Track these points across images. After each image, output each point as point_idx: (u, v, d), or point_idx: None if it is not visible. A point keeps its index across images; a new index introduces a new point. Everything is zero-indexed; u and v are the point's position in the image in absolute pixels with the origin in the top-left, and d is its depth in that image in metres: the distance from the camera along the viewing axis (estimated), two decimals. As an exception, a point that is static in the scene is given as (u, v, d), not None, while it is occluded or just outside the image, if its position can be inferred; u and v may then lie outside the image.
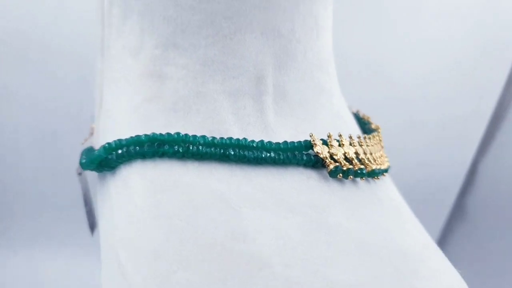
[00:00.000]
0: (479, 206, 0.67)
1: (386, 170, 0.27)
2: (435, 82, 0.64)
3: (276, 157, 0.21)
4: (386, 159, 0.29)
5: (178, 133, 0.21)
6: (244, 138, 0.21)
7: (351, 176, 0.23)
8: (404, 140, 0.68)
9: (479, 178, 0.67)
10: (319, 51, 0.27)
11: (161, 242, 0.18)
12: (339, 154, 0.23)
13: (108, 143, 0.22)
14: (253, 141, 0.21)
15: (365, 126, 0.33)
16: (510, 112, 0.61)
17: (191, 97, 0.23)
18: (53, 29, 0.59)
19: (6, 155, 0.68)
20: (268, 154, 0.21)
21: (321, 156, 0.22)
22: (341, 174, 0.22)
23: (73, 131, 0.66)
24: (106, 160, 0.22)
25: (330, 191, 0.22)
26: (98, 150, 0.22)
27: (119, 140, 0.21)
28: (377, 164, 0.26)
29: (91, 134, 0.35)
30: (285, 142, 0.22)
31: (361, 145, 0.25)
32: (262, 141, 0.22)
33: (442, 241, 0.68)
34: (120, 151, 0.21)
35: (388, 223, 0.23)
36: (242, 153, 0.21)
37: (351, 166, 0.23)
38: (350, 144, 0.25)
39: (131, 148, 0.21)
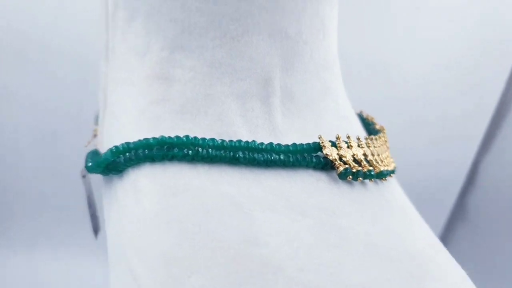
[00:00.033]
0: (480, 206, 0.67)
1: (393, 171, 0.27)
2: (436, 81, 0.64)
3: (286, 159, 0.21)
4: (391, 160, 0.29)
5: (187, 136, 0.21)
6: (253, 141, 0.21)
7: (361, 178, 0.23)
8: (404, 140, 0.68)
9: (480, 178, 0.67)
10: (325, 52, 0.27)
11: (174, 247, 0.17)
12: (348, 156, 0.23)
13: (115, 146, 0.22)
14: (262, 144, 0.21)
15: (369, 127, 0.33)
16: (511, 111, 0.61)
17: (199, 100, 0.22)
18: (53, 29, 0.59)
19: (6, 155, 0.67)
20: (278, 157, 0.21)
21: (330, 158, 0.22)
22: (350, 176, 0.22)
23: (73, 131, 0.66)
24: (113, 163, 0.22)
25: (340, 193, 0.22)
26: (105, 153, 0.22)
27: (127, 143, 0.21)
28: (384, 166, 0.26)
29: (94, 136, 0.35)
30: (294, 144, 0.22)
31: (368, 147, 0.25)
32: (271, 143, 0.22)
33: (443, 241, 0.68)
34: (128, 155, 0.21)
35: (397, 225, 0.23)
36: (251, 155, 0.20)
37: (360, 168, 0.23)
38: (358, 146, 0.24)
39: (140, 151, 0.21)
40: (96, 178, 0.36)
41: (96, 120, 0.37)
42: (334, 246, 0.19)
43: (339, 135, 0.24)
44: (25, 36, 0.59)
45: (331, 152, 0.22)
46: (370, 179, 0.24)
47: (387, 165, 0.27)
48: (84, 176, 0.32)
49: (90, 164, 0.24)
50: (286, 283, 0.16)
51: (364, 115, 0.35)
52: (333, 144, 0.23)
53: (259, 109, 0.23)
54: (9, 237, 0.74)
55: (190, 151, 0.20)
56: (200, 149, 0.20)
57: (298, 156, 0.22)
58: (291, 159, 0.21)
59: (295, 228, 0.19)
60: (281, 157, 0.21)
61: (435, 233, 0.27)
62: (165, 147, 0.20)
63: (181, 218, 0.18)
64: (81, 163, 0.73)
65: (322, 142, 0.23)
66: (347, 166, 0.22)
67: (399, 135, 0.68)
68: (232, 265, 0.17)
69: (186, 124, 0.22)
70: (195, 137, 0.21)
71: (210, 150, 0.20)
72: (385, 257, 0.20)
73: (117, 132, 0.25)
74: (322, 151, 0.23)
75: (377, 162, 0.25)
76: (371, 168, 0.24)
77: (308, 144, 0.22)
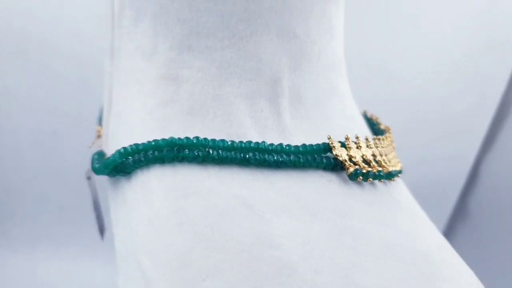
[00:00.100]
0: (482, 205, 0.67)
1: (400, 172, 0.27)
2: (437, 80, 0.64)
3: (296, 160, 0.21)
4: (398, 160, 0.29)
5: (197, 137, 0.20)
6: (263, 142, 0.21)
7: (371, 179, 0.23)
8: (405, 139, 0.68)
9: (482, 177, 0.67)
10: (332, 52, 0.27)
11: (187, 249, 0.17)
12: (357, 157, 0.23)
13: (124, 148, 0.21)
14: (272, 145, 0.21)
15: (374, 127, 0.33)
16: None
17: (208, 101, 0.22)
18: (53, 29, 0.58)
19: (6, 155, 0.67)
20: (288, 158, 0.21)
21: (340, 159, 0.22)
22: (361, 177, 0.22)
23: (74, 131, 0.66)
24: (121, 164, 0.22)
25: (351, 194, 0.22)
26: (113, 154, 0.22)
27: (136, 144, 0.21)
28: (391, 166, 0.26)
29: (98, 137, 0.34)
30: (304, 145, 0.22)
31: (376, 147, 0.25)
32: (281, 144, 0.21)
33: (444, 241, 0.68)
34: (137, 156, 0.21)
35: (407, 225, 0.23)
36: (262, 157, 0.20)
37: (370, 169, 0.23)
38: (367, 146, 0.24)
39: (150, 152, 0.20)
40: (100, 179, 0.36)
41: (99, 121, 0.36)
42: (347, 247, 0.19)
43: (348, 136, 0.23)
44: (25, 36, 0.58)
45: (341, 153, 0.22)
46: (379, 180, 0.24)
47: (395, 165, 0.27)
48: (89, 178, 0.32)
49: (97, 165, 0.24)
50: (301, 285, 0.16)
51: (369, 115, 0.35)
52: (343, 145, 0.23)
53: (268, 109, 0.23)
54: (9, 237, 0.73)
55: (200, 153, 0.20)
56: (210, 151, 0.20)
57: (309, 157, 0.21)
58: (301, 160, 0.21)
59: (308, 229, 0.19)
60: (292, 158, 0.21)
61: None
62: (175, 148, 0.20)
63: (194, 220, 0.18)
64: (81, 163, 0.73)
65: (332, 143, 0.23)
66: (357, 167, 0.22)
67: (400, 134, 0.67)
68: (246, 268, 0.17)
69: (195, 125, 0.22)
70: (205, 138, 0.20)
71: (220, 152, 0.20)
72: (398, 258, 0.19)
73: (124, 133, 0.25)
74: (331, 152, 0.22)
75: (385, 163, 0.25)
76: (380, 168, 0.24)
77: (318, 144, 0.22)
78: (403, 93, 0.66)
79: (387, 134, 0.29)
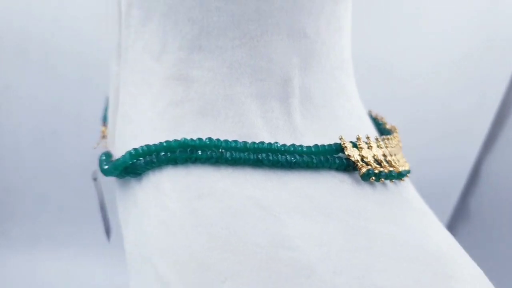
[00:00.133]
0: (482, 206, 0.67)
1: (409, 171, 0.27)
2: (438, 80, 0.64)
3: (309, 161, 0.21)
4: (405, 160, 0.29)
5: (210, 138, 0.20)
6: (276, 142, 0.21)
7: (383, 179, 0.23)
8: (406, 139, 0.67)
9: (482, 178, 0.67)
10: (341, 52, 0.27)
11: (205, 252, 0.17)
12: (369, 157, 0.23)
13: (135, 149, 0.21)
14: (285, 145, 0.21)
15: (379, 127, 0.33)
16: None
17: (218, 101, 0.22)
18: (54, 28, 0.58)
19: (6, 154, 0.67)
20: (301, 158, 0.21)
21: (353, 159, 0.22)
22: (373, 177, 0.22)
23: (74, 130, 0.66)
24: (131, 166, 0.22)
25: (364, 194, 0.22)
26: (123, 156, 0.22)
27: (147, 145, 0.21)
28: (401, 166, 0.26)
29: (103, 137, 0.34)
30: (316, 145, 0.22)
31: (386, 147, 0.25)
32: (293, 144, 0.21)
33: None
34: (148, 157, 0.21)
35: (419, 225, 0.23)
36: (275, 157, 0.20)
37: (382, 169, 0.23)
38: (377, 146, 0.24)
39: (162, 154, 0.20)
40: (105, 180, 0.35)
41: (104, 121, 0.36)
42: (362, 248, 0.19)
43: (360, 136, 0.23)
44: (26, 35, 0.58)
45: (353, 153, 0.22)
46: (391, 180, 0.23)
47: (403, 165, 0.26)
48: (95, 179, 0.31)
49: (106, 167, 0.23)
50: (321, 286, 0.16)
51: (373, 114, 0.35)
52: (354, 145, 0.23)
53: (279, 110, 0.23)
54: (9, 237, 0.73)
55: (214, 154, 0.20)
56: (224, 152, 0.20)
57: (322, 157, 0.21)
58: (314, 161, 0.21)
59: (323, 230, 0.19)
60: (305, 158, 0.21)
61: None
62: (188, 149, 0.20)
63: (210, 222, 0.18)
64: (82, 163, 0.73)
65: (344, 143, 0.22)
66: (369, 167, 0.22)
67: (401, 134, 0.67)
68: (265, 270, 0.16)
69: (206, 126, 0.22)
70: (218, 139, 0.20)
71: (233, 153, 0.20)
72: (412, 258, 0.19)
73: (132, 134, 0.24)
74: (343, 152, 0.22)
75: (395, 162, 0.25)
76: (391, 168, 0.23)
77: (330, 145, 0.22)
78: (404, 93, 0.66)
79: (394, 134, 0.29)
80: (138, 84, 0.25)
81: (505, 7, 0.57)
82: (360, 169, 0.22)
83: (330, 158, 0.22)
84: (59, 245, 0.74)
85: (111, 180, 0.34)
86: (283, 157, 0.20)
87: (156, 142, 0.21)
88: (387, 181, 0.24)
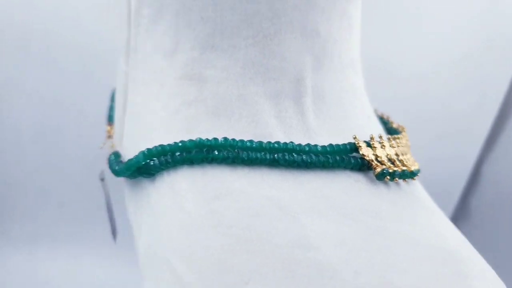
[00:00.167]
0: (483, 206, 0.67)
1: (419, 171, 0.27)
2: (439, 80, 0.64)
3: (325, 160, 0.21)
4: (413, 159, 0.29)
5: (225, 138, 0.20)
6: (291, 142, 0.21)
7: (397, 178, 0.23)
8: (407, 139, 0.68)
9: (483, 178, 0.67)
10: (352, 51, 0.27)
11: (226, 253, 0.17)
12: (383, 156, 0.23)
13: (148, 149, 0.21)
14: (300, 145, 0.21)
15: (386, 126, 0.33)
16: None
17: (232, 101, 0.22)
18: (56, 21, 0.58)
19: (7, 150, 0.67)
20: (318, 158, 0.21)
21: (367, 158, 0.22)
22: (388, 177, 0.22)
23: (76, 126, 0.66)
24: (145, 166, 0.21)
25: (379, 194, 0.22)
26: (136, 156, 0.21)
27: (161, 145, 0.21)
28: (411, 165, 0.26)
29: (109, 137, 0.34)
30: (331, 145, 0.22)
31: (398, 146, 0.25)
32: (308, 144, 0.21)
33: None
34: (163, 157, 0.20)
35: (433, 224, 0.23)
36: (292, 157, 0.20)
37: (396, 168, 0.23)
38: (390, 146, 0.24)
39: (178, 154, 0.20)
40: (110, 181, 0.35)
41: (109, 120, 0.36)
42: (381, 248, 0.18)
43: (373, 135, 0.23)
44: (27, 29, 0.58)
45: (367, 153, 0.22)
46: (404, 179, 0.23)
47: (413, 164, 0.26)
48: (102, 179, 0.31)
49: (117, 167, 0.23)
50: (344, 286, 0.16)
51: (379, 113, 0.35)
52: (368, 144, 0.23)
53: (292, 109, 0.23)
54: (10, 235, 0.73)
55: (230, 154, 0.20)
56: (240, 152, 0.20)
57: (337, 157, 0.21)
58: (330, 161, 0.21)
59: (341, 230, 0.18)
60: (321, 158, 0.21)
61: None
62: (205, 149, 0.20)
63: (229, 222, 0.18)
64: (83, 159, 0.73)
65: (358, 143, 0.22)
66: (384, 166, 0.22)
67: (402, 133, 0.67)
68: (288, 271, 0.16)
69: (220, 126, 0.21)
70: (233, 139, 0.20)
71: (250, 153, 0.20)
72: (429, 257, 0.19)
73: (142, 134, 0.24)
74: (357, 152, 0.22)
75: (407, 162, 0.25)
76: (404, 168, 0.23)
77: (345, 144, 0.22)
78: (404, 93, 0.66)
79: (403, 133, 0.29)
80: (148, 84, 0.25)
81: (506, 7, 0.58)
82: (375, 168, 0.22)
83: (346, 158, 0.21)
84: (59, 243, 0.74)
85: (116, 180, 0.33)
86: (299, 157, 0.20)
87: (170, 142, 0.21)
88: (400, 181, 0.24)
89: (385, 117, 0.35)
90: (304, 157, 0.20)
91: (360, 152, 0.22)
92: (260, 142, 0.20)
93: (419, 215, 0.22)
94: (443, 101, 0.66)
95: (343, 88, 0.26)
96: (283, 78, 0.23)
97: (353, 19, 0.26)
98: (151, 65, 0.24)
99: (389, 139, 0.25)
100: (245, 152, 0.20)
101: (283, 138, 0.22)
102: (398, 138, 0.26)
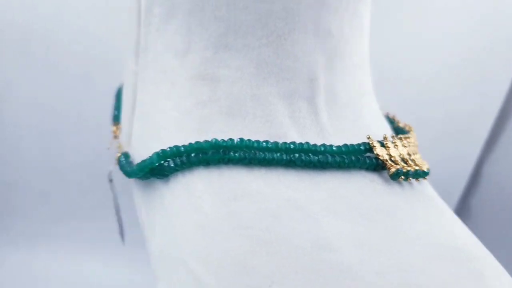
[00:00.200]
0: (484, 207, 0.67)
1: (429, 170, 0.27)
2: (439, 81, 0.64)
3: (341, 161, 0.21)
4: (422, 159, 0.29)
5: (241, 139, 0.20)
6: (307, 142, 0.21)
7: (410, 178, 0.23)
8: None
9: (484, 179, 0.67)
10: (361, 51, 0.27)
11: (248, 255, 0.17)
12: (396, 156, 0.23)
13: (163, 150, 0.21)
14: (315, 145, 0.21)
15: (392, 125, 0.33)
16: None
17: (246, 101, 0.22)
18: (56, 23, 0.57)
19: (6, 151, 0.67)
20: (334, 158, 0.20)
21: (381, 158, 0.22)
22: (403, 177, 0.22)
23: (75, 127, 0.65)
24: (159, 167, 0.21)
25: (394, 194, 0.22)
26: (150, 157, 0.21)
27: (176, 146, 0.20)
28: (422, 164, 0.26)
29: (115, 137, 0.33)
30: (346, 145, 0.22)
31: (409, 146, 0.25)
32: (324, 144, 0.21)
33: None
34: (179, 159, 0.20)
35: (446, 223, 0.23)
36: (308, 158, 0.20)
37: (409, 168, 0.23)
38: (402, 145, 0.24)
39: (193, 155, 0.20)
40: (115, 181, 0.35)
41: (114, 120, 0.35)
42: (399, 248, 0.18)
43: (386, 135, 0.23)
44: (27, 30, 0.57)
45: (381, 153, 0.22)
46: (417, 178, 0.23)
47: (424, 164, 0.26)
48: (111, 180, 0.31)
49: (129, 168, 0.23)
50: (366, 287, 0.16)
51: (384, 113, 0.35)
52: (381, 144, 0.23)
53: (306, 109, 0.23)
54: (10, 234, 0.73)
55: (247, 154, 0.19)
56: (256, 152, 0.19)
57: (353, 157, 0.21)
58: (346, 161, 0.21)
59: (359, 231, 0.18)
60: (337, 158, 0.20)
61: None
62: (221, 150, 0.19)
63: (248, 224, 0.18)
64: (83, 158, 0.73)
65: (372, 143, 0.22)
66: (398, 166, 0.22)
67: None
68: (310, 272, 0.16)
69: (235, 126, 0.21)
70: (249, 140, 0.20)
71: (266, 153, 0.19)
72: (446, 257, 0.19)
73: (154, 134, 0.24)
74: (371, 152, 0.22)
75: (418, 161, 0.25)
76: (417, 167, 0.23)
77: (359, 144, 0.22)
78: (404, 94, 0.66)
79: (411, 133, 0.29)
80: (159, 83, 0.24)
81: (507, 8, 0.58)
82: (389, 168, 0.22)
83: (361, 158, 0.21)
84: (59, 242, 0.74)
85: (120, 180, 0.33)
86: (316, 157, 0.20)
87: (182, 142, 0.21)
88: (412, 180, 0.24)
89: (390, 116, 0.35)
90: (320, 157, 0.20)
91: (375, 152, 0.22)
92: (276, 143, 0.20)
93: (432, 215, 0.22)
94: (443, 101, 0.66)
95: (354, 87, 0.26)
96: (296, 78, 0.23)
97: (364, 19, 0.26)
98: (162, 65, 0.24)
99: (400, 138, 0.25)
100: (261, 153, 0.19)
101: (297, 138, 0.22)
102: (408, 137, 0.26)
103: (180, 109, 0.23)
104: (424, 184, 0.25)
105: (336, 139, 0.23)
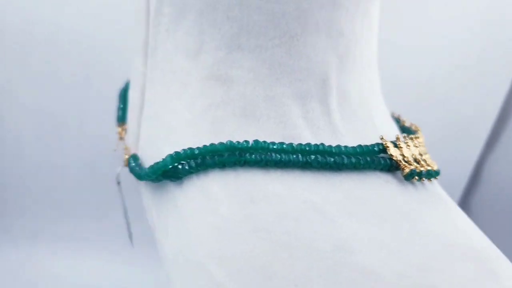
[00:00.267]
0: (484, 208, 0.67)
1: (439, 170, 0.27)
2: (440, 81, 0.65)
3: (357, 162, 0.20)
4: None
5: (256, 141, 0.20)
6: (322, 144, 0.21)
7: (423, 178, 0.22)
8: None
9: (484, 179, 0.67)
10: (371, 51, 0.27)
11: (269, 258, 0.16)
12: (409, 156, 0.23)
13: (176, 152, 0.20)
14: (331, 146, 0.21)
15: (398, 124, 0.33)
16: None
17: (260, 102, 0.22)
18: (56, 24, 0.57)
19: (7, 150, 0.66)
20: (349, 160, 0.20)
21: (395, 159, 0.22)
22: (416, 177, 0.22)
23: (75, 126, 0.65)
24: (172, 169, 0.21)
25: (409, 194, 0.22)
26: (164, 159, 0.21)
27: (190, 149, 0.20)
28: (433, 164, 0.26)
29: (120, 139, 0.33)
30: (360, 146, 0.22)
31: (420, 146, 0.25)
32: (339, 145, 0.21)
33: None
34: (193, 161, 0.20)
35: (459, 223, 0.23)
36: (324, 159, 0.20)
37: (422, 168, 0.23)
38: (414, 146, 0.24)
39: (209, 157, 0.20)
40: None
41: (118, 121, 0.35)
42: (418, 248, 0.18)
43: (399, 136, 0.23)
44: (27, 32, 0.57)
45: (395, 153, 0.22)
46: (429, 179, 0.23)
47: (433, 164, 0.26)
48: (119, 183, 0.30)
49: (140, 171, 0.23)
50: None
51: (389, 112, 0.35)
52: (395, 145, 0.23)
53: (319, 110, 0.23)
54: (11, 233, 0.73)
55: (263, 156, 0.19)
56: (273, 154, 0.19)
57: (368, 158, 0.21)
58: (361, 162, 0.21)
59: (378, 232, 0.18)
60: (353, 160, 0.20)
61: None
62: (237, 152, 0.19)
63: (268, 227, 0.17)
64: (83, 158, 0.73)
65: (385, 143, 0.22)
66: (412, 167, 0.22)
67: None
68: (333, 275, 0.16)
69: (249, 127, 0.21)
70: (264, 141, 0.20)
71: (283, 155, 0.19)
72: (463, 257, 0.19)
73: (165, 135, 0.24)
74: (385, 152, 0.22)
75: (429, 161, 0.25)
76: (429, 167, 0.23)
77: (373, 145, 0.22)
78: (406, 95, 0.66)
79: (419, 133, 0.29)
80: (169, 84, 0.24)
81: (507, 9, 0.58)
82: (403, 169, 0.22)
83: (376, 159, 0.21)
84: (59, 242, 0.74)
85: (122, 181, 0.33)
86: (331, 158, 0.20)
87: (197, 144, 0.21)
88: (425, 180, 0.24)
89: (396, 116, 0.35)
90: (336, 158, 0.20)
91: (389, 153, 0.22)
92: (292, 144, 0.20)
93: (445, 215, 0.22)
94: (443, 102, 0.66)
95: (364, 87, 0.26)
96: (309, 79, 0.22)
97: (373, 19, 0.26)
98: (172, 65, 0.24)
99: (411, 138, 0.25)
100: (277, 155, 0.19)
101: (311, 139, 0.21)
102: (418, 137, 0.26)
103: (192, 110, 0.22)
104: (435, 184, 0.25)
105: (349, 140, 0.23)
